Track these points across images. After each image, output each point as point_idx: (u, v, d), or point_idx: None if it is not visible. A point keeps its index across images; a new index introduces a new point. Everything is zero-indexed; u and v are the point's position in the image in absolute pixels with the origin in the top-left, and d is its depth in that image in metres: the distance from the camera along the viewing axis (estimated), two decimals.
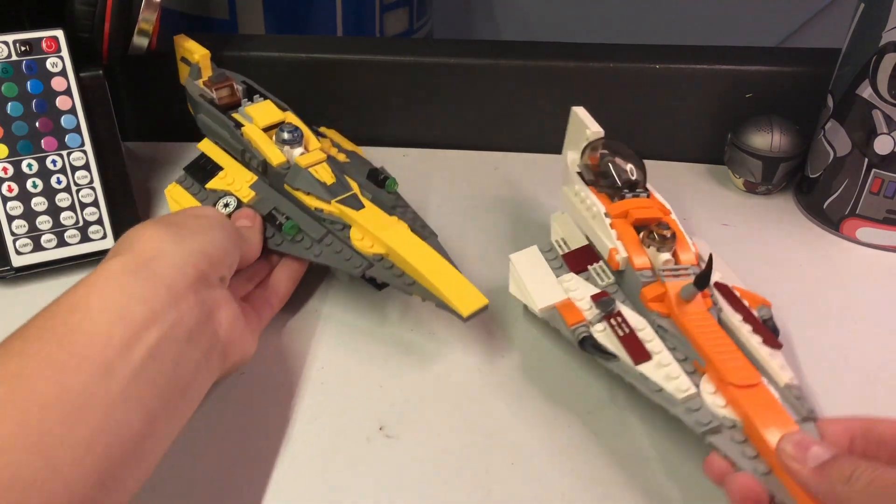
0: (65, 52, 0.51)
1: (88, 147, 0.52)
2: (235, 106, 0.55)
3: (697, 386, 0.39)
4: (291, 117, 0.53)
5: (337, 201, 0.48)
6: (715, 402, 0.38)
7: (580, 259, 0.48)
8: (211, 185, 0.53)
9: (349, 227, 0.47)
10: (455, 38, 1.08)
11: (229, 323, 0.40)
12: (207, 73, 0.57)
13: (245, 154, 0.52)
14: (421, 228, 0.49)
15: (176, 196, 0.54)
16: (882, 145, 0.54)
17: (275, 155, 0.50)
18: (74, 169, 0.52)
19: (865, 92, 0.54)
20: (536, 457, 0.42)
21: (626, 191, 0.48)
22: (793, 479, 0.34)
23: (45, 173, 0.51)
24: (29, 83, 0.50)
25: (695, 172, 0.67)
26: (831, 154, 0.58)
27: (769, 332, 0.43)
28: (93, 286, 0.35)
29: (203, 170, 0.54)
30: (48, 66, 0.51)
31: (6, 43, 0.50)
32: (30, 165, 0.51)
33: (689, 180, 0.66)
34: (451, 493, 0.40)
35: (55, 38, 0.51)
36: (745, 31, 1.04)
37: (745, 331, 0.42)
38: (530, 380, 0.46)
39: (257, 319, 0.46)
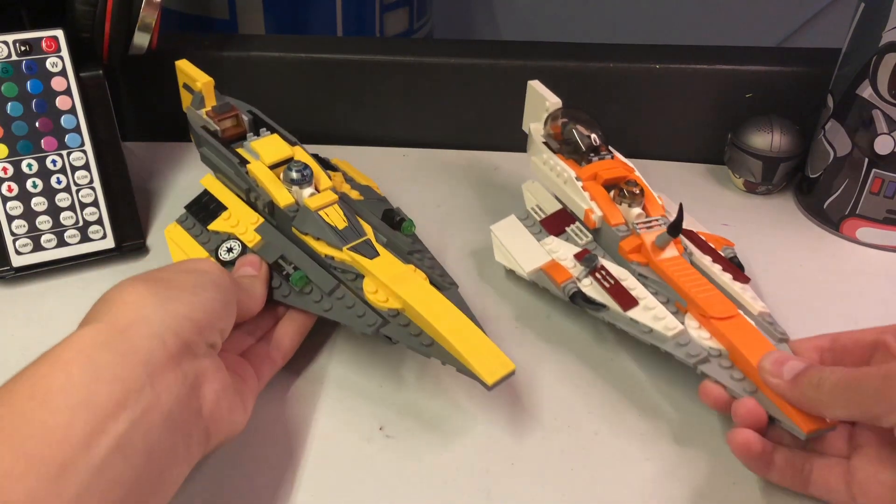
0: (65, 52, 0.51)
1: (88, 147, 0.52)
2: (241, 138, 0.52)
3: (682, 323, 0.43)
4: (301, 153, 0.50)
5: (349, 248, 0.44)
6: (700, 335, 0.42)
7: (557, 222, 0.52)
8: (214, 226, 0.50)
9: (362, 276, 0.44)
10: (455, 38, 1.08)
11: (216, 397, 0.35)
12: (211, 102, 0.53)
13: (251, 193, 0.49)
14: (440, 278, 0.46)
15: (176, 238, 0.50)
16: (882, 145, 0.54)
17: (282, 196, 0.47)
18: (74, 169, 0.52)
19: (865, 92, 0.54)
20: (536, 457, 0.42)
21: (591, 154, 0.52)
22: (774, 391, 0.38)
23: (44, 173, 0.51)
24: (29, 83, 0.50)
25: (695, 172, 0.67)
26: (831, 154, 0.58)
27: (736, 268, 0.47)
28: (57, 361, 0.31)
29: (206, 209, 0.51)
30: (48, 66, 0.51)
31: (6, 43, 0.50)
32: (30, 165, 0.51)
33: (689, 180, 0.66)
34: (452, 494, 0.40)
35: (55, 38, 0.51)
36: (745, 31, 1.04)
37: (716, 270, 0.46)
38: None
39: (255, 380, 0.41)
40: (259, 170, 0.48)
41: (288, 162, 0.48)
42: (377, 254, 0.44)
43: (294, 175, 0.47)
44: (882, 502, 0.35)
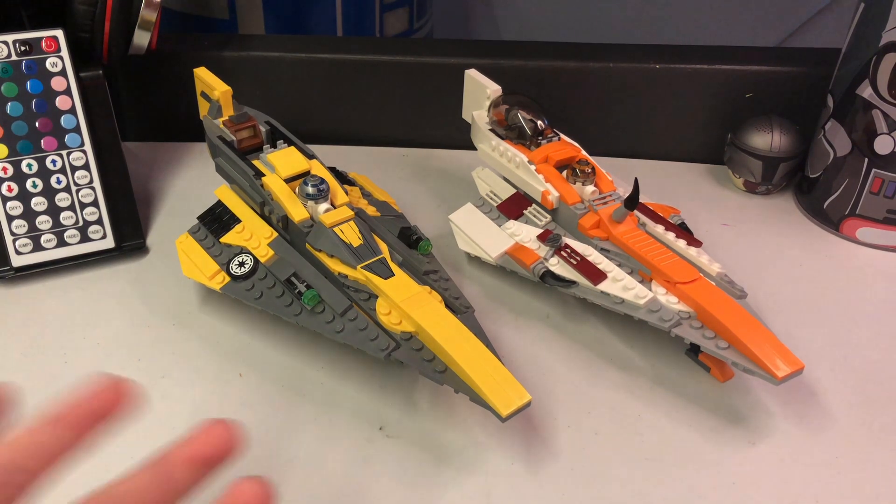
0: (65, 52, 0.51)
1: (88, 147, 0.52)
2: (257, 149, 0.51)
3: (650, 291, 0.45)
4: (317, 167, 0.49)
5: (363, 267, 0.43)
6: (669, 300, 0.44)
7: (514, 206, 0.53)
8: (226, 238, 0.48)
9: (375, 297, 0.43)
10: (455, 38, 1.08)
11: None
12: (229, 111, 0.53)
13: (265, 207, 0.48)
14: (455, 300, 0.45)
15: (187, 250, 0.49)
16: (882, 145, 0.54)
17: (297, 211, 0.46)
18: (74, 169, 0.52)
19: (865, 92, 0.54)
20: (535, 458, 0.42)
21: (539, 138, 0.53)
22: None
23: (44, 173, 0.51)
24: (29, 83, 0.50)
25: (695, 172, 0.67)
26: (831, 154, 0.58)
27: (688, 234, 0.49)
28: None
29: (219, 220, 0.50)
30: (48, 66, 0.51)
31: (6, 43, 0.50)
32: (29, 165, 0.51)
33: (689, 180, 0.66)
34: (452, 494, 0.40)
35: (55, 38, 0.51)
36: (745, 31, 1.04)
37: (670, 237, 0.48)
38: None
39: None
40: (274, 183, 0.47)
41: (304, 176, 0.47)
42: (392, 273, 0.43)
43: (310, 189, 0.46)
44: None
